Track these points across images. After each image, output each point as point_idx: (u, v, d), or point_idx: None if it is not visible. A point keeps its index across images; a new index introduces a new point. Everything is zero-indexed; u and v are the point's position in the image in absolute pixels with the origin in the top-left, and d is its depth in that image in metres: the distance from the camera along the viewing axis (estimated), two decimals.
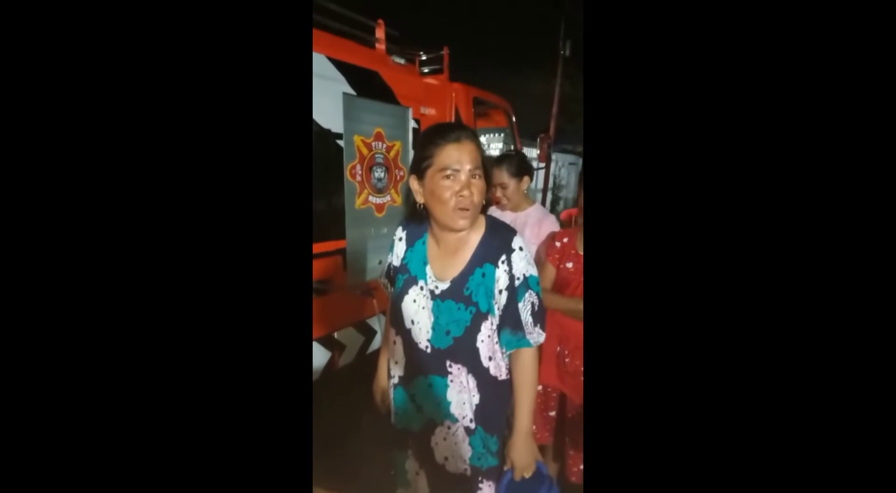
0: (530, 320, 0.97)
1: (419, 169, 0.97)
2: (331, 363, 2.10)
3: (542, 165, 5.33)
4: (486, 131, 4.79)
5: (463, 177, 0.93)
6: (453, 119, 2.78)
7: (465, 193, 0.93)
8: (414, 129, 2.48)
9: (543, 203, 6.80)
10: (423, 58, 2.77)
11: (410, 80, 2.46)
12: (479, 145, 0.96)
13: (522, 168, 1.84)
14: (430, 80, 2.68)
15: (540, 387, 1.59)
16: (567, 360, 1.50)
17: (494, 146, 4.99)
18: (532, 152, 6.83)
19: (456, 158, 0.92)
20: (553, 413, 1.59)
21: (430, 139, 0.96)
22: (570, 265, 1.50)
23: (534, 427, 1.59)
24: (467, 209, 0.94)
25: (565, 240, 1.54)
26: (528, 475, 1.01)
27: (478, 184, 0.95)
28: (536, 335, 0.99)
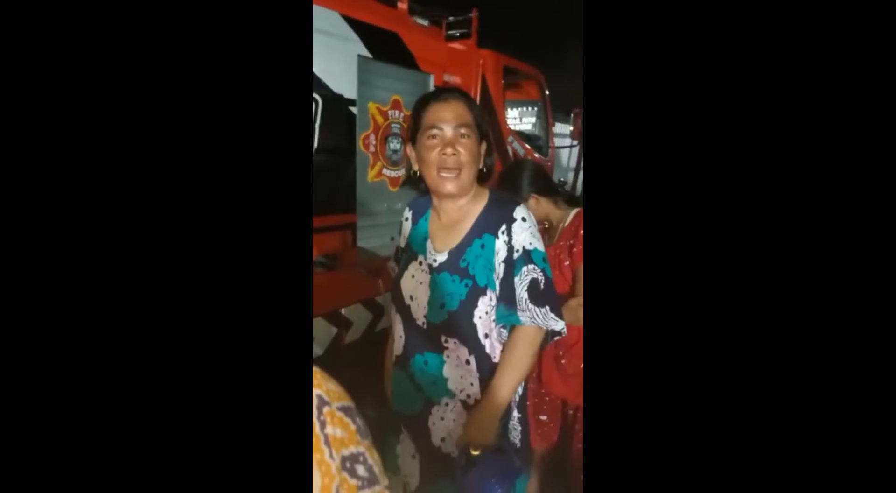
0: (525, 296, 0.91)
1: (412, 135, 0.96)
2: (336, 340, 2.04)
3: (576, 142, 5.06)
4: (517, 104, 4.55)
5: (448, 135, 0.90)
6: (479, 88, 2.60)
7: (449, 150, 0.89)
8: None
9: (575, 183, 6.54)
10: (450, 20, 2.57)
11: (434, 44, 2.29)
12: (470, 105, 0.93)
13: None
14: (456, 46, 2.50)
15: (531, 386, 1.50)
16: (563, 361, 1.39)
17: (527, 120, 4.75)
18: (565, 129, 6.51)
19: (440, 116, 0.90)
20: (545, 417, 1.52)
21: (418, 103, 0.96)
22: None
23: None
24: (452, 169, 0.90)
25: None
26: (474, 451, 0.92)
27: (466, 143, 0.90)
28: (534, 315, 0.91)
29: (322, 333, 1.96)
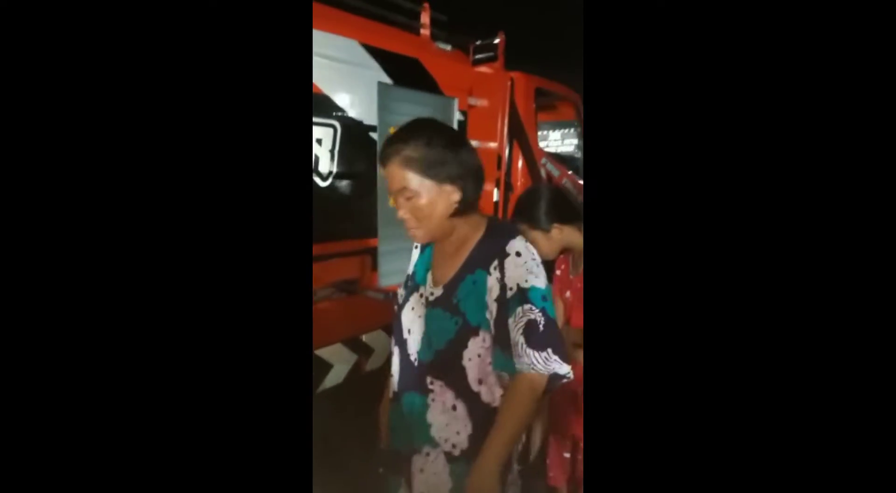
0: (521, 340, 0.80)
1: None
2: (357, 368, 2.00)
3: None
4: (553, 126, 4.45)
5: (398, 199, 0.88)
6: (508, 111, 2.55)
7: (401, 213, 0.88)
8: (460, 121, 2.30)
9: None
10: (477, 44, 2.56)
11: (458, 68, 2.28)
12: (406, 159, 0.84)
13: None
14: (483, 69, 2.48)
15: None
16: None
17: (569, 142, 4.63)
18: None
19: (388, 182, 0.88)
20: (568, 455, 1.42)
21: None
22: (567, 294, 1.34)
23: (548, 462, 1.41)
24: (412, 227, 0.89)
25: (563, 267, 1.39)
26: None
27: (410, 205, 0.86)
28: (533, 361, 0.79)
29: (342, 360, 1.93)
